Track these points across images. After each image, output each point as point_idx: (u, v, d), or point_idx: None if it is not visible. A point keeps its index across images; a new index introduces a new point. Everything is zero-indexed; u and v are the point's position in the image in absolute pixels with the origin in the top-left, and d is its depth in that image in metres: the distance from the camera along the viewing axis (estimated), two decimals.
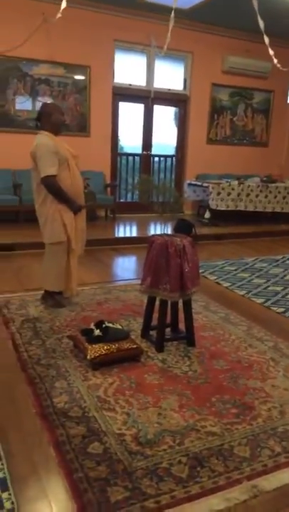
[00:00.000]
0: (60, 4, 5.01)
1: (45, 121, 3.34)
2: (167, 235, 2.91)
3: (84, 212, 3.52)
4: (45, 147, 3.20)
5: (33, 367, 2.59)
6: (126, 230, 7.01)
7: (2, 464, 1.79)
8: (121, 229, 6.94)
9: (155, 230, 7.05)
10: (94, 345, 2.62)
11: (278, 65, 6.37)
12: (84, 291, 3.91)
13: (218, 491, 1.72)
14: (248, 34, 7.53)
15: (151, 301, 2.99)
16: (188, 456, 1.90)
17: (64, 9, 5.12)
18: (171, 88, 7.93)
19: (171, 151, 8.34)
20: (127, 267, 5.29)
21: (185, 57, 7.88)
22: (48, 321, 3.28)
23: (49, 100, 6.81)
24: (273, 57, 5.95)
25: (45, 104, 3.48)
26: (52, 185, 3.23)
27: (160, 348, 2.85)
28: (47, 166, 3.18)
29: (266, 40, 5.38)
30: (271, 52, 5.71)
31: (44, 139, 3.25)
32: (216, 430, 2.08)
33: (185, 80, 8.02)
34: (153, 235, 2.91)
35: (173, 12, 4.73)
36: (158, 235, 2.92)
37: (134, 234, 6.80)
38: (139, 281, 4.29)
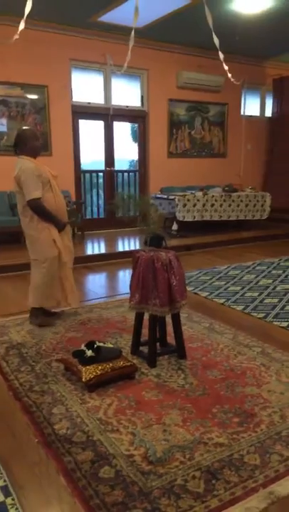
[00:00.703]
0: (14, 26, 4.99)
1: (23, 148, 3.42)
2: (151, 249, 2.92)
3: (68, 228, 3.66)
4: (29, 171, 3.29)
5: (27, 394, 2.51)
6: (95, 247, 6.98)
7: (13, 499, 1.71)
8: (89, 246, 6.90)
9: (124, 245, 7.07)
10: (88, 367, 2.57)
11: (232, 79, 6.63)
12: (65, 312, 3.84)
13: (236, 502, 1.72)
14: (201, 50, 7.81)
15: (139, 317, 2.99)
16: (200, 470, 1.89)
17: (20, 30, 5.12)
18: (129, 105, 8.04)
19: (134, 166, 8.42)
20: (102, 284, 5.25)
21: (141, 74, 8.03)
22: (33, 345, 3.19)
23: (7, 121, 6.74)
24: (227, 72, 6.18)
25: (20, 132, 3.53)
26: (38, 207, 3.33)
27: (153, 364, 2.84)
28: (32, 190, 3.28)
29: (221, 56, 5.58)
30: (226, 67, 5.92)
31: (26, 163, 3.33)
32: (223, 441, 2.09)
33: (142, 97, 8.16)
34: (137, 251, 2.91)
35: (133, 31, 4.81)
36: (141, 250, 2.93)
37: (104, 251, 6.77)
38: (118, 298, 4.32)
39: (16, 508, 1.67)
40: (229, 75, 6.40)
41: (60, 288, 3.55)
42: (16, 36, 5.22)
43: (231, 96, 8.84)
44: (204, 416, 2.29)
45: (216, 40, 5.29)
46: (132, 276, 2.89)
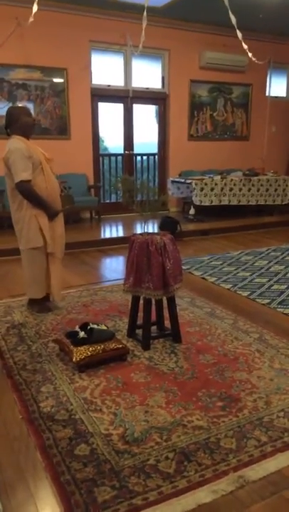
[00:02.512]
0: (31, 8, 5.00)
1: (14, 126, 3.26)
2: (147, 233, 2.91)
3: (61, 217, 3.46)
4: (18, 152, 3.13)
5: (19, 373, 2.58)
6: (112, 231, 7.01)
7: None
8: (107, 230, 6.94)
9: (142, 229, 7.04)
10: (79, 348, 2.62)
11: (254, 59, 6.44)
12: (70, 294, 3.90)
13: (204, 484, 1.73)
14: (224, 29, 7.53)
15: (135, 301, 3.00)
16: (175, 451, 1.91)
17: (37, 12, 5.11)
18: (149, 87, 7.93)
19: (154, 150, 8.35)
20: (113, 267, 5.28)
21: (162, 55, 7.90)
22: (33, 326, 3.27)
23: (28, 104, 6.78)
24: (248, 51, 5.99)
25: (10, 109, 3.35)
26: (26, 191, 3.17)
27: (146, 346, 2.86)
28: (21, 171, 3.12)
29: (239, 35, 5.42)
30: (245, 46, 5.75)
31: (16, 143, 3.18)
32: (203, 424, 2.09)
33: (163, 78, 8.04)
34: (134, 234, 2.91)
35: (145, 11, 4.73)
36: (138, 233, 2.92)
37: (120, 234, 6.79)
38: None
39: None
40: (250, 55, 6.21)
41: (45, 280, 3.42)
42: (31, 19, 5.25)
43: (256, 76, 8.57)
44: (188, 399, 2.30)
45: (233, 19, 5.13)
46: (127, 259, 2.89)
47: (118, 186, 3.07)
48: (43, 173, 3.26)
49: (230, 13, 4.92)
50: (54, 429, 2.06)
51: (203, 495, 1.68)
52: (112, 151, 8.10)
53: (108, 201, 8.06)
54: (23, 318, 3.42)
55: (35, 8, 4.99)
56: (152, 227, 6.71)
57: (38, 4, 4.97)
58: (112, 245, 6.00)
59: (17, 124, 3.25)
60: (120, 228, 7.14)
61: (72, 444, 1.96)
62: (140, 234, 2.91)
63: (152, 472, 1.79)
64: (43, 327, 3.23)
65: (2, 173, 6.28)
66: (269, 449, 1.92)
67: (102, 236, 6.53)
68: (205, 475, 1.77)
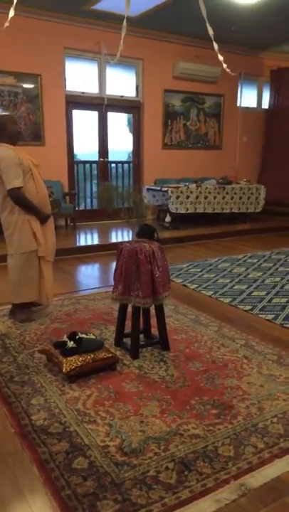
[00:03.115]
0: (6, 13, 4.93)
1: (1, 133, 3.27)
2: (135, 241, 2.90)
3: (52, 220, 3.50)
4: (9, 159, 3.14)
5: (7, 385, 2.51)
6: (87, 238, 6.95)
7: None
8: (82, 237, 6.88)
9: (117, 236, 7.04)
10: (69, 358, 2.57)
11: (228, 70, 6.57)
12: (52, 303, 3.83)
13: (207, 494, 1.72)
14: (197, 40, 7.71)
15: (123, 309, 2.98)
16: (174, 461, 1.90)
17: (12, 18, 5.05)
18: (123, 95, 7.97)
19: (127, 157, 8.36)
20: (92, 275, 5.24)
21: (136, 64, 7.96)
22: (17, 336, 3.19)
23: (0, 110, 6.67)
24: (223, 63, 6.12)
25: None
26: (19, 197, 3.20)
27: (135, 355, 2.84)
28: (12, 179, 3.14)
29: (215, 46, 5.52)
30: (221, 58, 5.86)
31: (6, 151, 3.19)
32: (199, 432, 2.09)
33: (137, 87, 8.09)
34: (121, 242, 2.89)
35: (125, 20, 4.74)
36: (126, 241, 2.91)
37: (96, 241, 6.75)
38: (106, 289, 4.31)
39: None
40: (224, 66, 6.33)
41: (37, 283, 3.41)
42: (7, 24, 5.16)
43: (228, 87, 8.76)
44: (182, 407, 2.29)
45: (210, 31, 5.22)
46: (116, 267, 2.87)
47: (103, 196, 3.06)
48: (33, 179, 3.28)
49: (207, 24, 5.01)
50: (49, 443, 2.01)
51: (207, 505, 1.68)
52: (85, 158, 8.05)
53: (83, 208, 8.01)
54: (6, 328, 3.33)
55: (11, 13, 4.91)
56: (127, 235, 6.72)
57: (14, 9, 4.91)
58: (89, 253, 5.95)
59: (5, 132, 3.27)
60: (96, 235, 7.09)
61: (70, 458, 1.91)
62: (128, 242, 2.89)
63: (154, 483, 1.77)
64: (27, 337, 3.16)
65: None
66: (267, 456, 1.94)
67: (78, 243, 6.47)
68: (207, 484, 1.77)
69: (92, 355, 2.61)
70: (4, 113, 4.36)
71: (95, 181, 8.09)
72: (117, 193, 3.00)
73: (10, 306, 3.57)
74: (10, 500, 1.70)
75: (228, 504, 1.68)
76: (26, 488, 1.76)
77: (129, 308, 2.91)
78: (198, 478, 1.80)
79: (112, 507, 1.65)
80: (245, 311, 3.76)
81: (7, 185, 3.16)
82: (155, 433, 2.08)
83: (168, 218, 7.22)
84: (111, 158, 8.12)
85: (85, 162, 8.01)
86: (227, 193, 7.49)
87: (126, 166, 8.36)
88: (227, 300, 4.02)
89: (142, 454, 1.94)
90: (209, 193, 7.30)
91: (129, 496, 1.70)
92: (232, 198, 7.55)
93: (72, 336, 2.73)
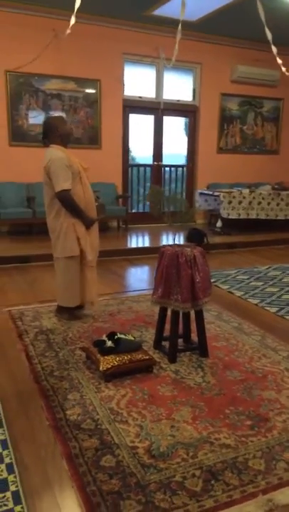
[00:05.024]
0: (69, 20, 5.11)
1: (53, 134, 3.31)
2: (178, 245, 2.90)
3: (96, 225, 3.50)
4: (60, 161, 3.17)
5: (46, 379, 2.60)
6: (138, 241, 7.04)
7: (15, 477, 1.79)
8: (133, 239, 6.97)
9: (167, 239, 7.05)
10: (106, 357, 2.62)
11: (287, 73, 6.39)
12: (97, 307, 3.91)
13: (232, 505, 1.69)
14: (256, 43, 7.56)
15: (163, 312, 2.99)
16: (202, 469, 1.88)
17: (73, 25, 5.23)
18: (180, 99, 7.99)
19: (182, 161, 8.37)
20: (140, 277, 5.29)
21: (194, 68, 7.95)
22: (61, 332, 3.29)
23: (61, 114, 6.92)
24: (282, 66, 5.97)
25: (48, 118, 3.46)
26: (67, 200, 3.21)
27: (173, 359, 2.84)
28: (62, 181, 3.15)
29: (274, 50, 5.39)
30: (279, 61, 5.73)
31: (57, 153, 3.23)
32: (230, 442, 2.05)
33: (194, 91, 8.08)
34: (164, 246, 2.90)
35: (180, 25, 4.77)
36: (168, 245, 2.92)
37: (147, 244, 6.82)
38: (151, 292, 4.33)
39: (16, 486, 1.75)
40: (283, 69, 6.18)
41: (80, 288, 3.43)
42: (68, 31, 5.36)
43: (288, 91, 8.51)
44: (216, 416, 2.26)
45: (269, 34, 5.12)
46: (156, 270, 2.89)
47: (151, 199, 3.08)
48: (81, 182, 3.31)
49: (266, 28, 4.92)
50: (80, 438, 2.06)
51: None
52: (139, 161, 8.15)
53: (135, 211, 8.11)
54: (51, 324, 3.45)
55: (72, 20, 5.10)
56: (178, 239, 6.71)
57: (75, 17, 5.09)
58: (139, 255, 6.01)
59: (56, 133, 3.31)
60: (147, 238, 7.16)
61: (98, 455, 1.95)
62: (170, 245, 2.90)
63: (178, 489, 1.76)
64: (70, 334, 3.25)
65: (33, 181, 6.50)
66: None
67: (129, 245, 6.56)
68: (232, 496, 1.74)
69: (129, 356, 2.64)
70: (55, 114, 4.48)
71: (148, 184, 8.17)
72: (163, 197, 2.99)
73: (57, 304, 3.69)
74: (38, 490, 1.76)
75: None
76: (54, 480, 1.81)
77: (169, 312, 2.91)
78: (225, 488, 1.77)
79: (134, 507, 1.66)
80: None
81: (56, 187, 3.18)
82: (185, 439, 2.07)
83: (219, 223, 7.13)
84: (166, 161, 8.16)
85: (139, 165, 8.12)
86: (282, 199, 7.27)
87: (180, 169, 8.36)
88: (273, 310, 3.90)
89: (169, 459, 1.94)
90: (263, 198, 7.13)
91: (153, 499, 1.71)
92: (287, 205, 7.32)
93: (110, 336, 2.77)
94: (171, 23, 6.85)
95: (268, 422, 2.22)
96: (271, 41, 5.16)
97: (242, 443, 2.05)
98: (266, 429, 2.16)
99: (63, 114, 6.90)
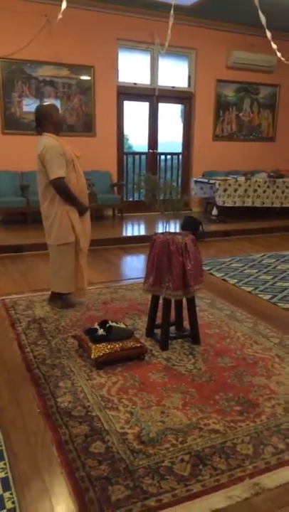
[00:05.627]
0: (59, 5, 5.03)
1: (46, 122, 3.31)
2: (169, 233, 2.89)
3: (88, 213, 3.52)
4: (54, 149, 3.18)
5: (38, 367, 2.61)
6: (133, 229, 7.02)
7: (5, 464, 1.81)
8: (128, 228, 6.95)
9: (163, 228, 7.03)
10: (98, 345, 2.63)
11: (282, 59, 6.32)
12: (90, 291, 3.91)
13: (220, 489, 1.71)
14: (252, 28, 7.44)
15: (155, 300, 2.99)
16: (190, 454, 1.90)
17: (66, 10, 5.13)
18: (175, 85, 7.91)
19: (178, 149, 8.31)
20: (134, 265, 5.29)
21: (189, 54, 7.85)
22: (53, 321, 3.30)
23: (55, 101, 6.84)
24: (277, 51, 5.90)
25: (40, 106, 3.41)
26: (62, 187, 3.23)
27: (164, 347, 2.85)
28: (57, 168, 3.17)
29: (268, 34, 5.32)
30: (274, 46, 5.65)
31: (51, 141, 3.23)
32: (219, 428, 2.07)
33: (189, 77, 8.00)
34: (155, 234, 2.90)
35: (172, 9, 4.70)
36: (160, 233, 2.91)
37: (142, 232, 6.79)
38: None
39: (6, 473, 1.76)
40: (279, 54, 6.10)
41: (75, 274, 3.48)
42: (60, 16, 5.27)
43: (284, 77, 8.42)
44: (205, 402, 2.28)
45: (263, 18, 5.04)
46: (148, 258, 2.89)
47: (141, 185, 3.06)
48: (74, 170, 3.32)
49: (260, 12, 4.84)
50: (70, 425, 2.07)
51: (218, 500, 1.66)
52: (135, 149, 8.09)
53: (131, 199, 8.07)
54: (44, 312, 3.45)
55: (64, 5, 5.01)
56: (174, 227, 6.70)
57: (67, 1, 5.00)
58: (134, 243, 6.00)
59: (50, 121, 3.31)
60: (142, 227, 7.14)
61: (88, 441, 1.97)
62: (162, 233, 2.89)
63: (167, 474, 1.78)
64: (62, 322, 3.26)
65: (26, 169, 6.45)
66: (286, 457, 1.88)
67: (124, 234, 6.55)
68: (220, 480, 1.75)
69: (120, 344, 2.65)
70: (47, 103, 4.46)
71: (143, 172, 8.12)
72: (158, 184, 2.96)
73: (50, 292, 3.69)
74: (27, 476, 1.77)
75: (239, 502, 1.66)
76: (44, 466, 1.83)
77: (161, 300, 2.91)
78: (212, 473, 1.79)
79: (122, 492, 1.68)
80: (285, 309, 3.65)
81: (51, 175, 3.19)
82: (174, 424, 2.09)
83: (215, 211, 7.11)
84: (161, 149, 8.10)
85: (134, 153, 8.06)
86: (278, 186, 7.25)
87: (175, 157, 8.31)
88: (267, 297, 3.91)
89: (158, 444, 1.95)
90: (259, 186, 7.10)
91: (141, 484, 1.72)
92: (283, 192, 7.30)
93: (102, 324, 2.78)
94: (165, 8, 6.74)
95: (256, 408, 2.23)
96: (265, 25, 5.08)
97: (231, 428, 2.07)
98: (255, 415, 2.18)
99: (56, 102, 6.84)
